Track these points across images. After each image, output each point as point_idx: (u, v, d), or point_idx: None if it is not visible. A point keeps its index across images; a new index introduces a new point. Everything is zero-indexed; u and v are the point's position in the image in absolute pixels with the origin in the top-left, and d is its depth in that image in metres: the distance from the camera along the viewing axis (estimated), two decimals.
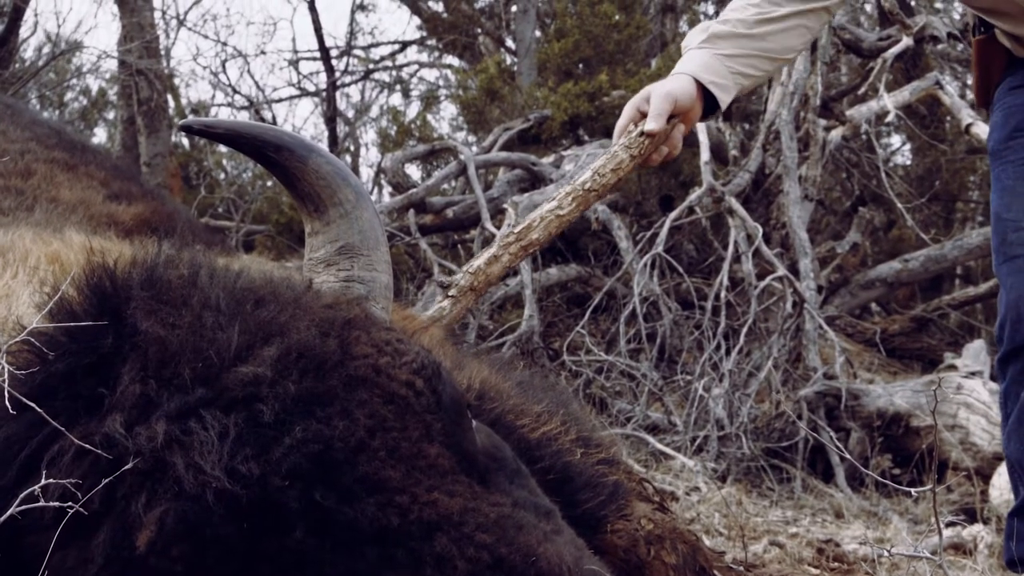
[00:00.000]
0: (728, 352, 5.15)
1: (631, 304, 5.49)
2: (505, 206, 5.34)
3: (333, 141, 11.11)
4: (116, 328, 1.43)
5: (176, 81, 11.80)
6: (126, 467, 1.31)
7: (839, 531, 3.81)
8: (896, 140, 10.63)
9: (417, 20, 12.75)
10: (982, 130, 5.64)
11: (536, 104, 7.80)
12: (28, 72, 7.94)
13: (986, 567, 3.14)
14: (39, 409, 1.35)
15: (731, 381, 5.00)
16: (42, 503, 1.31)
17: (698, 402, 4.92)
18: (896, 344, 7.29)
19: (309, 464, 1.32)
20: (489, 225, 5.62)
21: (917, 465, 4.67)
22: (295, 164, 1.72)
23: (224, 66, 15.18)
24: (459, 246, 7.03)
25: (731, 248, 5.66)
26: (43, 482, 1.31)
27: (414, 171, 8.62)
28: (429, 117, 11.11)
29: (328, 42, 11.54)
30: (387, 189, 8.54)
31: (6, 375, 1.39)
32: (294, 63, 13.03)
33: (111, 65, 9.35)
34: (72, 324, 1.42)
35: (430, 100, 13.12)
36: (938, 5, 10.05)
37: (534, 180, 6.40)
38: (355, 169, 11.08)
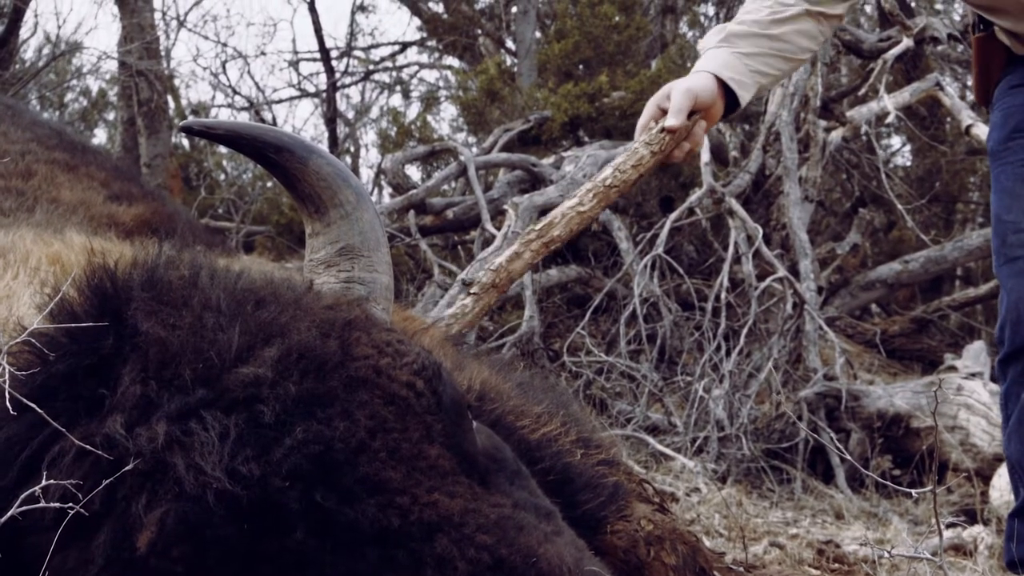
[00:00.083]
0: (728, 353, 5.15)
1: (631, 305, 5.49)
2: (505, 207, 5.34)
3: (333, 142, 11.12)
4: (117, 329, 1.43)
5: (176, 82, 11.81)
6: (127, 468, 1.31)
7: (839, 532, 3.81)
8: (896, 141, 10.65)
9: (417, 21, 12.75)
10: (982, 131, 5.64)
11: (536, 105, 7.80)
12: (28, 73, 7.95)
13: (986, 568, 3.14)
14: (40, 410, 1.35)
15: (731, 382, 5.00)
16: (43, 504, 1.31)
17: (698, 403, 4.92)
18: (896, 345, 7.29)
19: (310, 465, 1.33)
20: (489, 226, 5.62)
21: (917, 466, 4.67)
22: (295, 165, 1.72)
23: (224, 67, 15.26)
24: (459, 247, 7.02)
25: (731, 249, 5.66)
26: (44, 483, 1.31)
27: (414, 172, 8.62)
28: (429, 118, 11.12)
29: (328, 43, 11.56)
30: (387, 190, 8.55)
31: (7, 376, 1.39)
32: (294, 64, 13.08)
33: (111, 66, 9.37)
34: (73, 325, 1.42)
35: (430, 101, 13.13)
36: (938, 6, 10.06)
37: (534, 181, 6.40)
38: (355, 170, 11.08)
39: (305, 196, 1.74)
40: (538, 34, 10.03)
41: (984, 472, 4.55)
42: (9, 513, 1.31)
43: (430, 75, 14.17)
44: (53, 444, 1.36)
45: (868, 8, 9.63)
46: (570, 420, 2.09)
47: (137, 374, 1.38)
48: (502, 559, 1.37)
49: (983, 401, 4.86)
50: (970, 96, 7.90)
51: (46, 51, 9.00)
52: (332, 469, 1.34)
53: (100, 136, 12.08)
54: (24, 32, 7.56)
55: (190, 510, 1.29)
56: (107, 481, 1.31)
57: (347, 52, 12.69)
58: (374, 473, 1.35)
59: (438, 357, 1.59)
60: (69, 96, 11.43)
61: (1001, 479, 4.24)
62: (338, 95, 11.82)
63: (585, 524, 1.84)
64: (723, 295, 5.40)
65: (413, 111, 13.22)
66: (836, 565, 3.21)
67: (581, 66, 8.53)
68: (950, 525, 3.65)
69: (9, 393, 1.36)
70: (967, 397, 4.90)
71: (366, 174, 11.30)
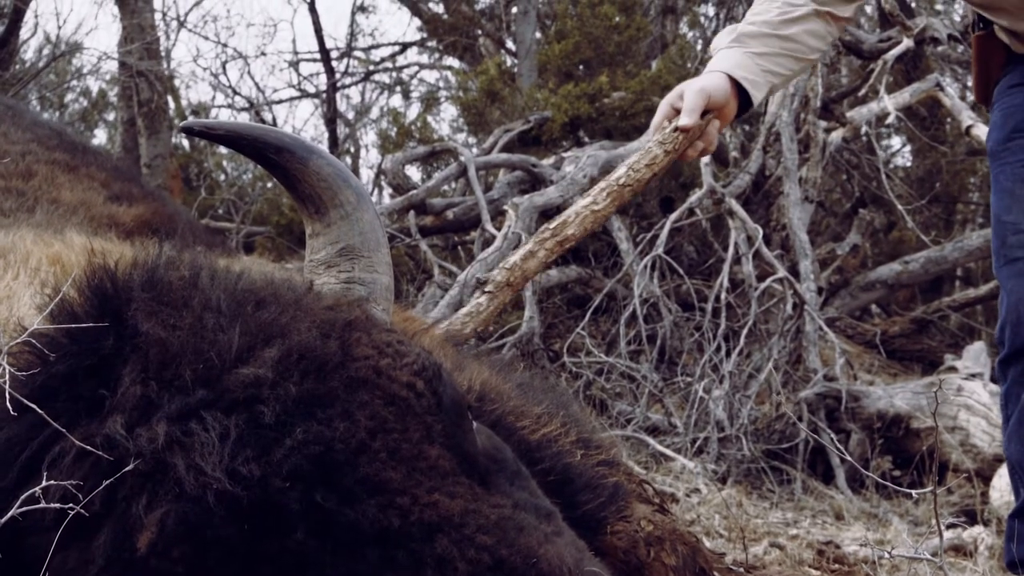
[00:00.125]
0: (728, 354, 5.15)
1: (631, 305, 5.49)
2: (505, 207, 5.35)
3: (333, 142, 11.12)
4: (117, 330, 1.43)
5: (176, 82, 11.81)
6: (127, 468, 1.31)
7: (839, 533, 3.81)
8: (896, 142, 10.65)
9: (417, 22, 12.75)
10: (982, 132, 5.64)
11: (536, 106, 7.80)
12: (28, 73, 7.95)
13: (986, 569, 3.14)
14: (40, 410, 1.35)
15: (731, 383, 5.00)
16: (43, 504, 1.31)
17: (698, 404, 4.92)
18: (896, 346, 7.29)
19: (310, 465, 1.33)
20: (490, 227, 5.62)
21: (917, 467, 4.67)
22: (296, 166, 1.72)
23: (224, 67, 15.28)
24: (459, 248, 7.02)
25: (731, 250, 5.66)
26: (44, 483, 1.31)
27: (414, 173, 8.62)
28: (429, 119, 11.11)
29: (328, 43, 11.56)
30: (387, 191, 8.55)
31: (7, 376, 1.39)
32: (294, 64, 13.09)
33: (111, 66, 9.37)
34: (73, 326, 1.42)
35: (430, 102, 13.13)
36: (939, 7, 10.06)
37: (534, 182, 6.40)
38: (355, 170, 11.08)
39: (305, 197, 1.74)
40: (538, 34, 10.03)
41: (984, 473, 4.55)
42: (9, 514, 1.31)
43: (430, 76, 14.19)
44: (53, 445, 1.36)
45: (868, 8, 9.62)
46: (570, 421, 2.09)
47: (137, 375, 1.38)
48: (502, 560, 1.37)
49: (983, 402, 4.86)
50: (970, 97, 7.89)
51: (46, 51, 9.00)
52: (332, 470, 1.34)
53: (100, 137, 12.09)
54: (24, 32, 7.57)
55: (190, 511, 1.29)
56: (107, 482, 1.31)
57: (347, 52, 12.70)
58: (374, 474, 1.35)
59: (438, 358, 1.59)
60: (69, 97, 11.44)
61: (1001, 480, 4.24)
62: (338, 96, 11.84)
63: (585, 525, 1.84)
64: (723, 296, 5.40)
65: (413, 112, 13.23)
66: (836, 566, 3.22)
67: (581, 67, 8.53)
68: (950, 526, 3.65)
69: (9, 394, 1.36)
70: (967, 398, 4.90)
71: (366, 174, 11.31)
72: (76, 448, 1.33)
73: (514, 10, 10.53)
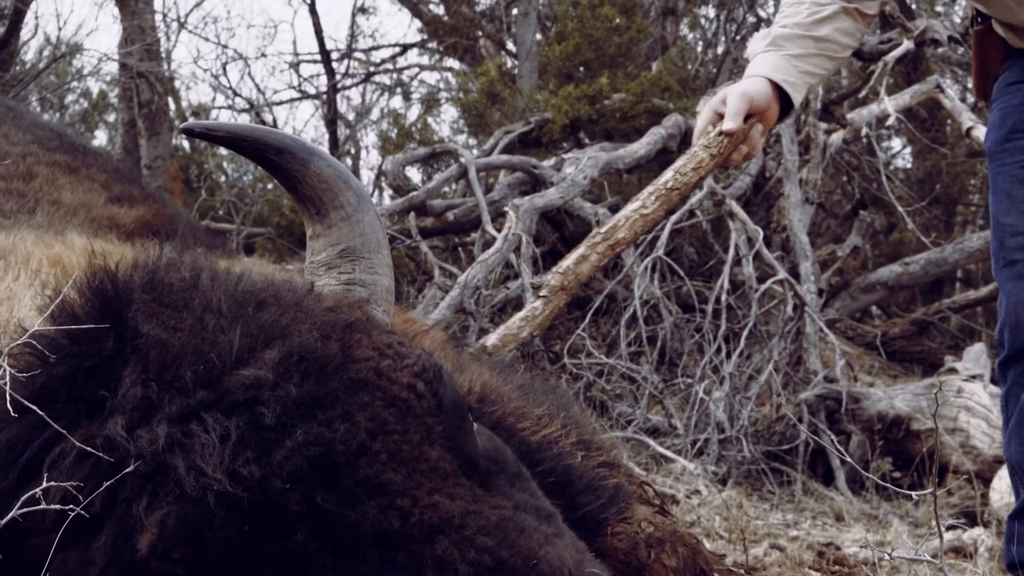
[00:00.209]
0: (729, 355, 5.15)
1: (632, 307, 5.49)
2: (506, 209, 5.35)
3: (334, 144, 11.12)
4: (117, 331, 1.43)
5: (177, 84, 11.82)
6: (127, 470, 1.31)
7: (840, 534, 3.81)
8: (897, 143, 10.65)
9: (418, 23, 12.75)
10: (983, 133, 5.60)
11: (537, 107, 7.80)
12: (29, 75, 7.96)
13: (986, 570, 3.14)
14: (40, 412, 1.35)
15: (731, 384, 5.00)
16: (43, 506, 1.31)
17: (699, 405, 4.92)
18: (896, 347, 7.29)
19: (310, 467, 1.33)
20: (490, 228, 5.62)
21: (917, 468, 4.67)
22: (296, 167, 1.73)
23: (225, 69, 15.27)
24: (460, 249, 7.02)
25: (732, 251, 5.66)
26: (44, 485, 1.31)
27: (415, 174, 8.63)
28: (430, 120, 11.13)
29: (329, 45, 11.57)
30: (388, 192, 8.56)
31: (8, 378, 1.39)
32: (295, 66, 13.07)
33: (112, 68, 9.38)
34: (74, 327, 1.42)
35: (431, 103, 13.13)
36: (939, 8, 10.06)
37: (535, 183, 6.40)
38: (356, 172, 11.08)
39: (306, 198, 1.74)
40: (539, 36, 10.04)
41: (984, 474, 4.55)
42: (10, 515, 1.31)
43: (431, 77, 14.19)
44: (54, 446, 1.36)
45: None
46: (571, 422, 2.09)
47: (138, 376, 1.38)
48: (503, 561, 1.37)
49: (983, 403, 4.85)
50: (971, 98, 7.91)
51: (47, 53, 9.00)
52: (333, 471, 1.34)
53: (101, 138, 12.10)
54: (25, 34, 7.58)
55: (191, 512, 1.29)
56: (108, 483, 1.31)
57: (348, 54, 12.70)
58: (375, 475, 1.35)
59: (439, 359, 1.59)
60: (70, 98, 11.45)
61: (1001, 481, 4.24)
62: (339, 97, 11.84)
63: (586, 526, 1.84)
64: (723, 297, 5.40)
65: (414, 113, 13.23)
66: (836, 567, 3.22)
67: (582, 68, 8.53)
68: (950, 527, 3.65)
69: (10, 395, 1.36)
70: (967, 399, 4.90)
71: (367, 176, 11.31)
72: (77, 449, 1.33)
73: (514, 11, 10.53)
